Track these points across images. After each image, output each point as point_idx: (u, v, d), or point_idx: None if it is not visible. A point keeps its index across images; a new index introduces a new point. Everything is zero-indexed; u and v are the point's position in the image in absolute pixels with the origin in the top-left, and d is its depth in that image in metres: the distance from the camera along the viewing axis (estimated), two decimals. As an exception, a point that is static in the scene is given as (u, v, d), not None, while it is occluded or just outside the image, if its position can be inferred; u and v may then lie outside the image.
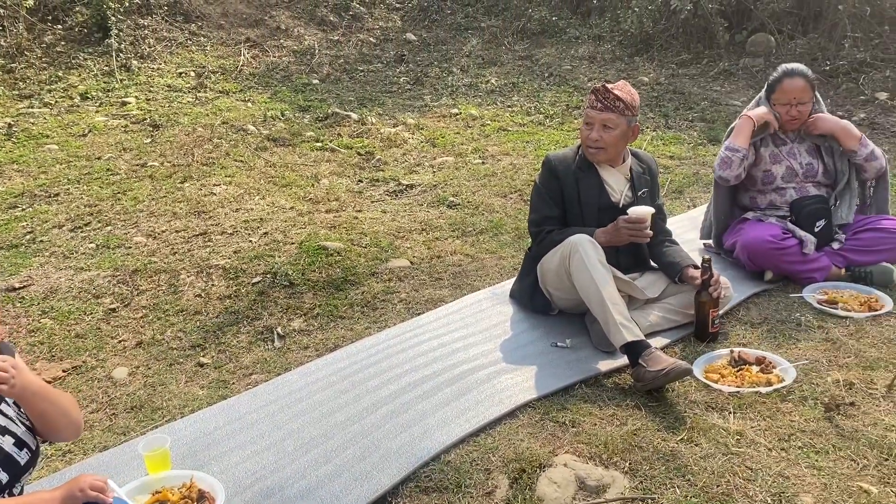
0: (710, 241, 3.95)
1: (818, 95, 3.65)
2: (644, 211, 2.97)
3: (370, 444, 2.41)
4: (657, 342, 2.98)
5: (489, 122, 6.53)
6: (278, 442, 2.47)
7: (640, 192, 3.18)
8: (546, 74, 7.87)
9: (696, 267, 3.07)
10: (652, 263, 3.29)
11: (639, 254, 3.26)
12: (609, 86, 3.09)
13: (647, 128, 6.29)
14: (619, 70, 7.89)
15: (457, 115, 6.69)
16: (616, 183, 3.16)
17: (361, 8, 9.36)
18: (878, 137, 5.78)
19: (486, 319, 3.25)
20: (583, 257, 2.88)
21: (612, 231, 3.02)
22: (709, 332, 2.99)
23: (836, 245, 3.55)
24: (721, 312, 3.07)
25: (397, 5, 9.66)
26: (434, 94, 7.43)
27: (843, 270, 3.52)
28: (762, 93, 3.72)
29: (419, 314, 3.37)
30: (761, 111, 3.60)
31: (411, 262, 3.93)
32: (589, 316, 3.03)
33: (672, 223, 4.20)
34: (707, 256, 3.00)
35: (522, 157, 5.63)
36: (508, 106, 7.00)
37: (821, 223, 3.53)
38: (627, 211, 2.98)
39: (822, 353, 2.88)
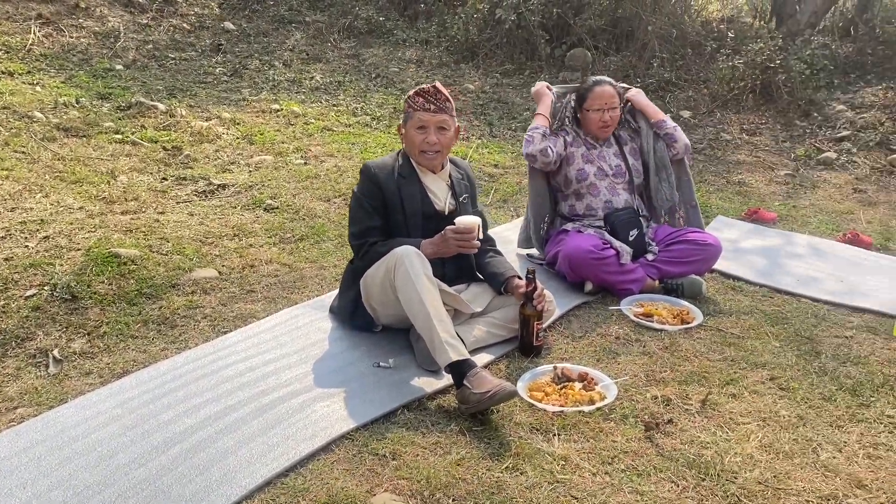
0: (530, 251, 3.95)
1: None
2: (471, 221, 2.84)
3: (157, 491, 2.05)
4: (482, 358, 2.86)
5: (313, 120, 6.21)
6: (43, 493, 2.05)
7: (461, 198, 3.06)
8: (373, 75, 7.67)
9: (520, 278, 3.00)
10: (477, 274, 3.17)
11: (464, 265, 3.13)
12: (438, 87, 2.94)
13: (473, 136, 6.28)
14: (445, 76, 7.86)
15: (278, 111, 6.31)
16: (438, 190, 3.02)
17: (174, -9, 8.64)
18: (683, 153, 6.14)
19: (303, 338, 2.97)
20: (408, 270, 2.69)
21: (439, 242, 2.87)
22: (533, 345, 2.92)
23: (650, 256, 3.64)
24: (545, 325, 3.02)
25: (215, -9, 9.02)
26: (254, 87, 6.97)
27: (657, 282, 3.62)
28: (571, 102, 3.79)
29: (226, 333, 3.02)
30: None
31: (219, 273, 3.55)
32: (413, 333, 2.85)
33: (495, 233, 4.14)
34: (531, 268, 2.93)
35: (348, 159, 5.38)
36: (334, 105, 6.71)
37: (634, 233, 3.61)
38: (455, 220, 2.84)
39: (640, 367, 2.89)
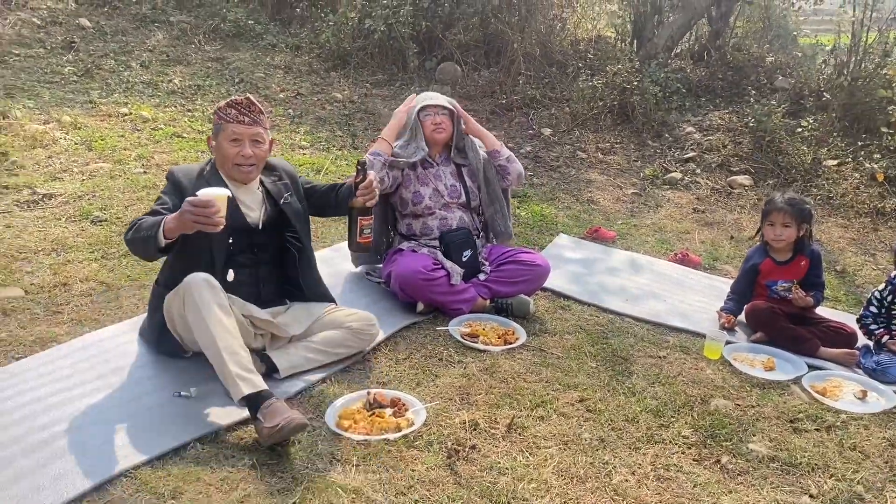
0: (369, 269, 3.92)
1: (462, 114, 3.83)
2: (215, 193, 2.43)
3: None
4: (294, 385, 2.79)
5: (163, 126, 5.95)
6: None
7: (282, 200, 2.97)
8: (237, 80, 7.44)
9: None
10: (299, 293, 3.08)
11: (284, 282, 3.05)
12: (252, 98, 2.85)
13: (334, 146, 6.19)
14: (314, 83, 7.73)
15: (126, 115, 6.00)
16: (251, 201, 2.91)
17: (24, -19, 8.09)
18: (540, 170, 6.30)
19: (104, 364, 2.80)
20: (196, 301, 2.55)
21: (177, 218, 2.47)
22: (356, 241, 2.86)
23: (482, 276, 3.68)
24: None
25: (71, -16, 8.52)
26: (105, 89, 6.61)
27: (488, 302, 3.66)
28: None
29: (18, 359, 2.81)
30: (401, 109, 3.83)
31: (26, 292, 3.31)
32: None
33: (339, 248, 4.09)
34: (363, 159, 2.87)
35: (193, 169, 5.16)
36: (189, 110, 6.46)
37: (468, 254, 3.64)
38: (196, 192, 2.45)
39: (456, 389, 2.90)
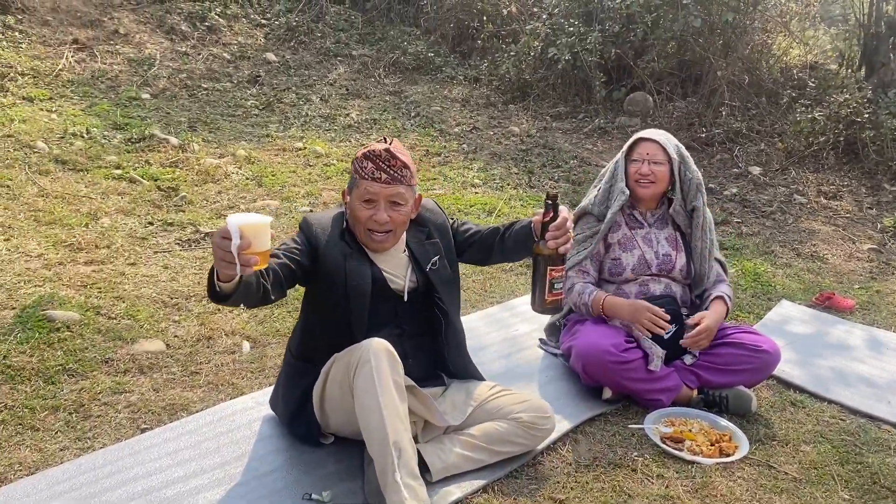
0: (545, 339, 3.29)
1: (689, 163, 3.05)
2: (244, 220, 1.78)
3: None
4: (450, 493, 2.22)
5: (335, 161, 5.71)
6: None
7: (430, 265, 2.42)
8: (413, 113, 7.16)
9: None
10: (453, 371, 2.51)
11: (438, 360, 2.50)
12: (394, 149, 2.32)
13: (509, 185, 5.66)
14: (490, 116, 7.29)
15: (300, 150, 5.84)
16: (395, 267, 2.39)
17: (221, 20, 8.38)
18: (748, 217, 5.38)
19: (230, 447, 2.39)
20: (373, 373, 2.08)
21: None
22: (545, 300, 2.18)
23: (688, 360, 2.92)
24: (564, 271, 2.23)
25: (263, 21, 8.75)
26: (283, 122, 6.56)
27: (696, 392, 2.89)
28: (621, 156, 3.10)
29: (144, 430, 2.47)
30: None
31: (168, 345, 3.02)
32: (367, 454, 2.22)
33: (516, 303, 3.52)
34: (554, 192, 2.21)
35: (360, 208, 4.83)
36: (363, 144, 6.21)
37: (671, 329, 2.90)
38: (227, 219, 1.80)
39: (656, 520, 2.19)
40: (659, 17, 7.16)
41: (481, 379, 2.58)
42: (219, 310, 3.36)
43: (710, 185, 5.89)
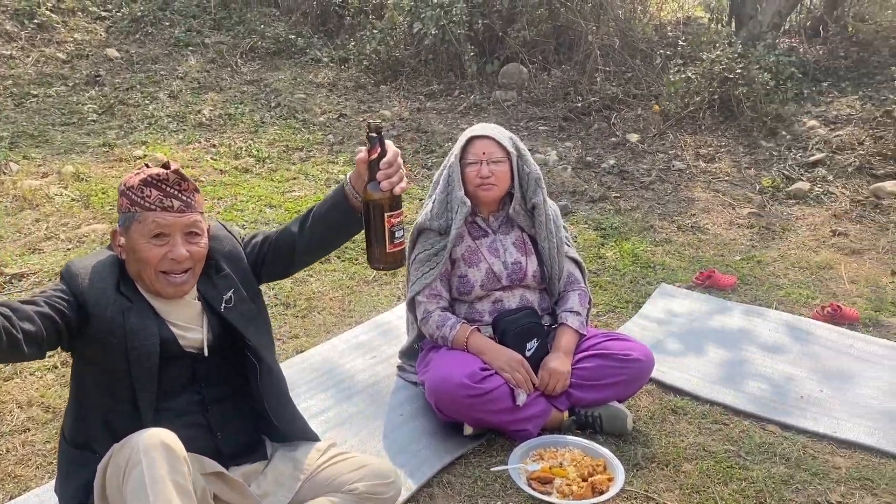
0: (405, 366, 2.92)
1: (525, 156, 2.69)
2: None
3: None
4: None
5: (181, 168, 5.13)
6: None
7: (223, 306, 1.95)
8: (273, 104, 6.60)
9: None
10: (279, 428, 2.09)
11: (255, 416, 2.06)
12: (181, 169, 1.86)
13: (377, 177, 5.21)
14: (360, 101, 6.82)
15: (140, 158, 5.23)
16: (188, 317, 1.92)
17: (53, 16, 7.52)
18: (627, 189, 5.15)
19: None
20: (145, 477, 1.63)
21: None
22: (387, 251, 1.76)
23: (556, 379, 2.60)
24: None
25: (103, 13, 7.91)
26: (125, 127, 5.89)
27: (566, 414, 2.58)
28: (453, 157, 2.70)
29: None
30: None
31: (-61, 434, 2.47)
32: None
33: (379, 321, 3.13)
34: (377, 124, 1.76)
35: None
36: (213, 146, 5.64)
37: (533, 344, 2.58)
38: None
39: None
40: (525, -17, 6.83)
41: (313, 439, 2.17)
42: (17, 371, 2.83)
43: (589, 157, 5.64)
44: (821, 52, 6.84)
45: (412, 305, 2.74)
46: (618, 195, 5.06)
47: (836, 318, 3.37)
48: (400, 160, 1.79)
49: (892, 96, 5.32)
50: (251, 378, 2.02)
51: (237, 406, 2.04)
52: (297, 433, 2.13)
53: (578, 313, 2.69)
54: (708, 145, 5.74)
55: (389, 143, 1.78)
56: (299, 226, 2.01)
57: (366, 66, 7.45)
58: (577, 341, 2.65)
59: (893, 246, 4.22)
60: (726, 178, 5.29)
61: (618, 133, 6.06)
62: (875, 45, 6.72)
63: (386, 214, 1.76)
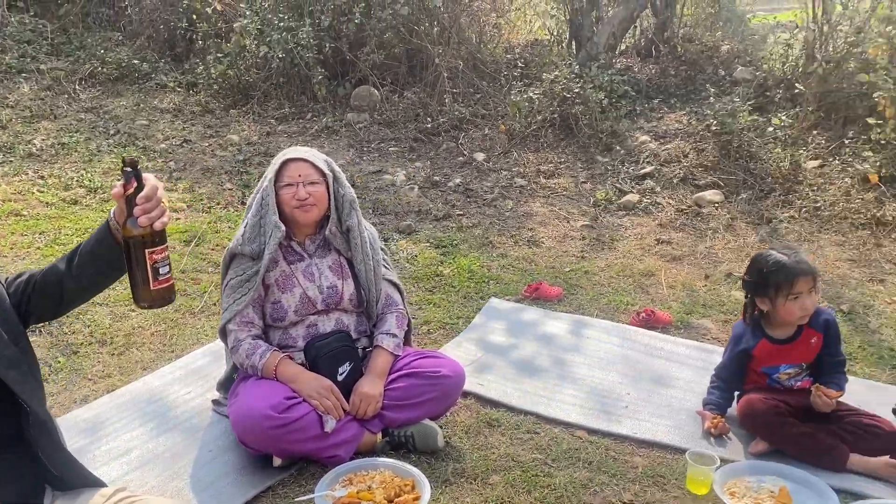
0: (217, 398, 2.83)
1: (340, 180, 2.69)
2: None
3: None
4: None
5: (2, 202, 4.82)
6: None
7: None
8: (112, 131, 6.32)
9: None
10: (60, 473, 1.96)
11: (32, 464, 1.92)
12: None
13: (218, 205, 5.10)
14: (207, 125, 6.63)
15: (-44, 194, 4.87)
16: None
17: None
18: (471, 207, 5.26)
19: None
20: None
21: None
22: (152, 289, 1.67)
23: (368, 401, 2.60)
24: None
25: (-78, 39, 7.36)
26: (-57, 161, 5.47)
27: (380, 436, 2.59)
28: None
29: None
30: None
31: None
32: None
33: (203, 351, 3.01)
34: (132, 158, 1.69)
35: (20, 258, 4.05)
36: (42, 177, 5.33)
37: (346, 368, 2.58)
38: None
39: None
40: (370, 7, 6.89)
41: (98, 485, 2.06)
42: None
43: (436, 177, 5.73)
44: (653, 71, 7.27)
45: (224, 334, 2.67)
46: (461, 213, 5.16)
47: (650, 322, 3.56)
48: (161, 193, 1.73)
49: (709, 112, 5.72)
50: (22, 427, 1.90)
51: (10, 454, 1.91)
52: (78, 480, 2.02)
53: (394, 335, 2.71)
54: (549, 162, 5.96)
55: (148, 176, 1.72)
56: (66, 263, 1.91)
57: (215, 90, 7.28)
58: (392, 363, 2.67)
59: (709, 252, 4.52)
60: (564, 192, 5.50)
61: (465, 152, 6.19)
62: (700, 63, 7.22)
63: (147, 251, 1.70)
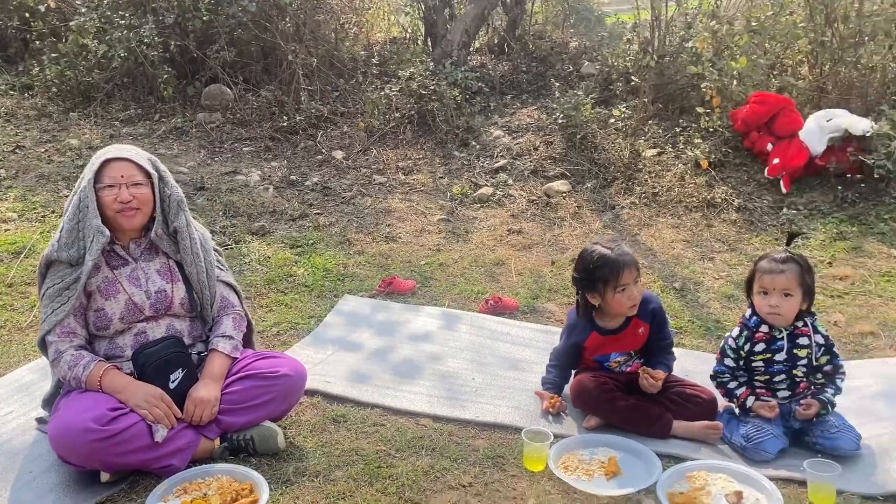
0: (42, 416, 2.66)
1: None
2: None
3: None
4: None
5: None
6: None
7: None
8: (-68, 140, 5.80)
9: None
10: None
11: None
12: None
13: (54, 213, 4.78)
14: (43, 130, 6.21)
15: None
16: None
17: None
18: (329, 205, 5.21)
19: None
20: None
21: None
22: None
23: (205, 407, 2.51)
24: None
25: None
26: None
27: (218, 442, 2.51)
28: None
29: None
30: None
31: None
32: None
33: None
34: None
35: None
36: None
37: (178, 375, 2.48)
38: None
39: None
40: (219, 3, 6.67)
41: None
42: None
43: (293, 176, 5.64)
44: (506, 68, 7.46)
45: (43, 346, 2.50)
46: (319, 212, 5.10)
47: (498, 308, 3.66)
48: None
49: (555, 106, 5.94)
50: None
51: None
52: None
53: (231, 337, 2.63)
54: (408, 158, 5.99)
55: None
56: None
57: (53, 92, 6.83)
58: (230, 366, 2.59)
59: (557, 239, 4.70)
60: (422, 188, 5.55)
61: (324, 151, 6.13)
62: (550, 60, 7.48)
63: None
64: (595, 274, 2.63)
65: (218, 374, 2.54)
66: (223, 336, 2.62)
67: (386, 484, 2.37)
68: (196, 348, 2.63)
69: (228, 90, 6.88)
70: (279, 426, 2.55)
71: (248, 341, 2.80)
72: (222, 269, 2.76)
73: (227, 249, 4.40)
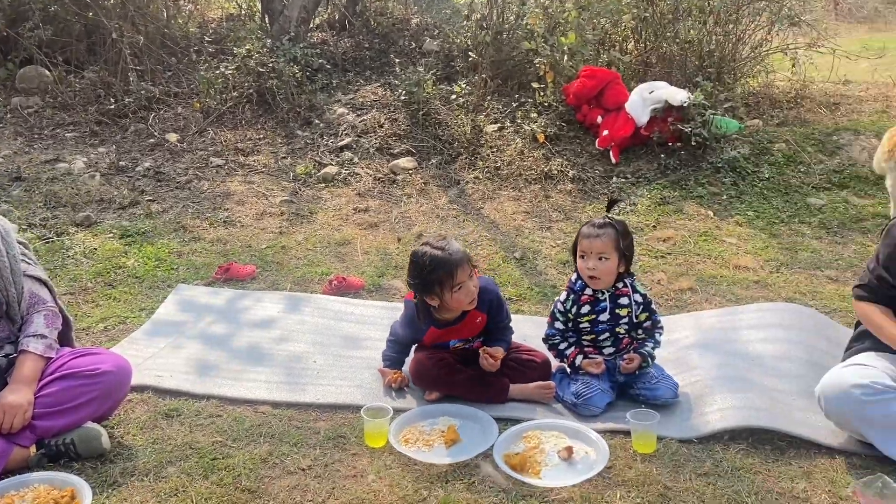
0: None
1: None
2: None
3: None
4: None
5: None
6: None
7: None
8: None
9: None
10: None
11: None
12: None
13: None
14: None
15: None
16: None
17: None
18: (162, 191, 4.95)
19: None
20: None
21: None
22: None
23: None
24: None
25: None
26: None
27: (33, 449, 2.33)
28: None
29: None
30: None
31: None
32: None
33: None
34: None
35: None
36: None
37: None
38: None
39: None
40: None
41: None
42: None
43: (122, 162, 5.29)
44: (348, 45, 7.35)
45: None
46: (151, 198, 4.82)
47: (342, 288, 3.62)
48: None
49: (397, 82, 5.94)
50: None
51: None
52: None
53: (43, 336, 2.44)
54: (248, 139, 5.79)
55: None
56: None
57: None
58: (44, 367, 2.40)
59: (403, 216, 4.71)
60: (264, 169, 5.39)
61: (156, 134, 5.80)
62: (392, 36, 7.45)
63: None
64: (430, 277, 2.59)
65: (29, 377, 2.35)
66: (34, 335, 2.42)
67: (221, 475, 2.29)
68: (4, 350, 2.42)
69: (47, 72, 6.35)
70: (103, 426, 2.40)
71: (66, 339, 2.61)
72: (30, 264, 2.55)
73: (47, 243, 4.08)
